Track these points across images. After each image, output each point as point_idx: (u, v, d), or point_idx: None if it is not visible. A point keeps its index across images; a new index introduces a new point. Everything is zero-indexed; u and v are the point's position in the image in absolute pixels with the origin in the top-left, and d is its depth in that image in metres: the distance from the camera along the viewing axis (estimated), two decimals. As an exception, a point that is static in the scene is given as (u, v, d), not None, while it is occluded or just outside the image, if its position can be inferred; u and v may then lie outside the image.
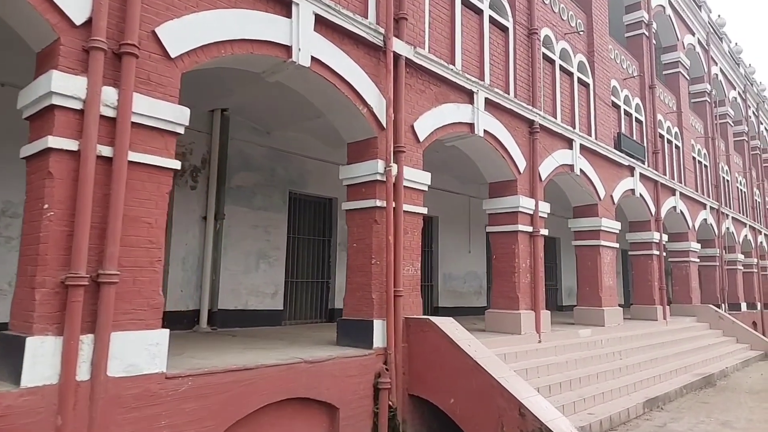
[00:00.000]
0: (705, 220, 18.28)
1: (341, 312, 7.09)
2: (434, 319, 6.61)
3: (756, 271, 23.94)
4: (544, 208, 9.80)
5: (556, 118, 10.65)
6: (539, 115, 9.83)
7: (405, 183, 6.96)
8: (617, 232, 12.41)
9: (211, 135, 9.10)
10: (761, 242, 25.49)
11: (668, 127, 16.43)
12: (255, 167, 9.80)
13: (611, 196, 12.41)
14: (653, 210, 14.51)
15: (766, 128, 29.95)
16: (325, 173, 10.58)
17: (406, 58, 7.10)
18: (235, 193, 9.43)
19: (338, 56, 6.30)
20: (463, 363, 6.14)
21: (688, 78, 18.71)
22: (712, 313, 16.26)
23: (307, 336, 7.93)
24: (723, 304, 18.93)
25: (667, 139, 16.30)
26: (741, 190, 24.08)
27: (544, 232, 9.77)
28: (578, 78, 11.76)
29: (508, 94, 9.31)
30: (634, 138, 14.08)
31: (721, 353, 13.29)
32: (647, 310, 14.19)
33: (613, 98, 13.20)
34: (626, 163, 13.07)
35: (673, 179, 16.16)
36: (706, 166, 19.60)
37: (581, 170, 11.20)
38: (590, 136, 11.83)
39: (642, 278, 14.47)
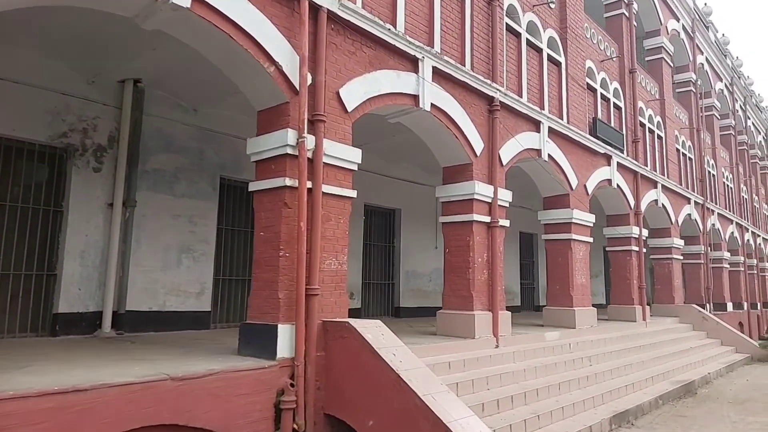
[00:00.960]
0: (689, 215, 17.32)
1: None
2: (354, 322, 5.47)
3: (742, 269, 23.08)
4: (505, 196, 8.71)
5: (521, 97, 9.57)
6: (500, 91, 8.73)
7: (326, 159, 5.82)
8: (591, 225, 11.36)
9: (120, 109, 7.90)
10: (748, 240, 24.65)
11: (650, 115, 15.43)
12: (178, 148, 8.61)
13: (585, 186, 11.36)
14: (632, 203, 13.49)
15: (754, 123, 29.16)
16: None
17: (328, 10, 5.96)
18: (152, 177, 8.23)
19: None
20: (384, 377, 5.02)
21: (671, 65, 17.73)
22: (695, 314, 15.29)
23: (222, 343, 6.76)
24: (708, 304, 17.99)
25: (649, 128, 15.30)
26: (728, 185, 23.20)
27: (505, 222, 8.68)
28: (548, 55, 10.68)
29: (463, 66, 8.20)
30: (612, 125, 13.05)
31: (703, 357, 12.29)
32: (625, 311, 13.16)
33: (588, 80, 12.15)
34: (602, 151, 12.02)
35: (655, 171, 15.16)
36: (690, 159, 18.66)
37: (550, 156, 10.12)
38: (561, 119, 10.76)
39: (620, 276, 13.45)
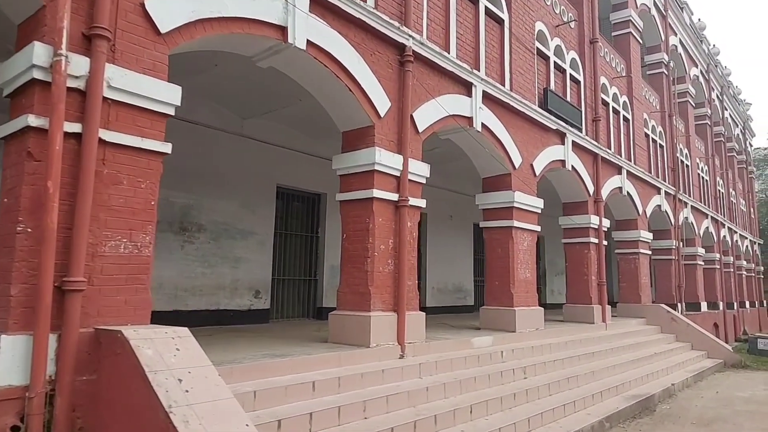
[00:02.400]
0: (658, 206, 15.84)
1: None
2: (130, 331, 3.71)
3: (718, 267, 21.75)
4: (419, 169, 7.02)
5: (448, 52, 7.88)
6: (414, 39, 7.03)
7: (111, 93, 4.04)
8: (538, 211, 9.74)
9: None
10: (724, 236, 23.36)
11: (615, 94, 13.89)
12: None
13: (531, 166, 9.73)
14: (591, 188, 11.91)
15: (731, 115, 27.97)
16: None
17: None
18: None
19: None
20: (149, 417, 3.28)
21: (640, 42, 16.23)
22: (663, 315, 13.78)
23: None
24: (679, 304, 16.54)
25: (614, 108, 13.76)
26: (703, 178, 21.86)
27: (418, 202, 6.99)
28: (486, 8, 9.01)
29: (364, 0, 6.48)
30: (569, 100, 11.45)
31: (669, 364, 10.74)
32: (582, 311, 11.59)
33: (538, 45, 10.53)
34: (554, 127, 10.41)
35: (620, 155, 13.63)
36: (661, 145, 17.20)
37: (485, 126, 8.46)
38: (503, 85, 9.11)
39: (576, 272, 11.86)
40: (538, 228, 9.71)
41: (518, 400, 6.48)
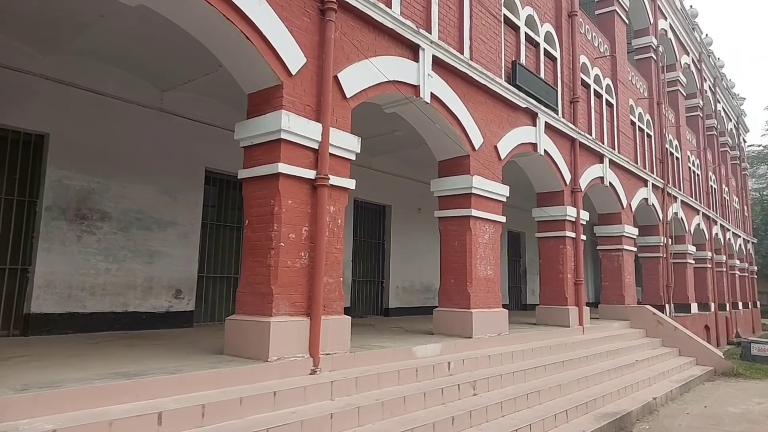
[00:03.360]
0: (645, 199, 14.68)
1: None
2: None
3: (710, 266, 20.64)
4: (346, 142, 5.77)
5: (389, 6, 6.63)
6: (338, -16, 5.80)
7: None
8: (502, 200, 8.52)
9: None
10: (716, 234, 22.26)
11: (597, 75, 12.70)
12: None
13: (496, 148, 8.51)
14: (568, 177, 10.71)
15: (724, 109, 26.88)
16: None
17: None
18: None
19: None
20: None
21: (626, 22, 15.05)
22: (649, 317, 12.61)
23: None
24: (668, 305, 15.40)
25: (595, 90, 12.57)
26: (694, 172, 20.74)
27: (345, 183, 5.74)
28: (440, -37, 7.81)
29: (267, -68, 5.24)
30: (542, 77, 10.24)
31: (653, 373, 9.55)
32: (556, 313, 10.39)
33: (506, 12, 9.30)
34: (523, 105, 9.20)
35: (602, 142, 12.44)
36: (649, 135, 16.04)
37: (435, 97, 7.23)
38: (460, 52, 7.88)
39: (551, 269, 10.65)
40: (502, 219, 8.50)
41: (458, 425, 5.25)
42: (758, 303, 31.10)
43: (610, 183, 12.45)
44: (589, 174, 11.60)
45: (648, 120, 16.01)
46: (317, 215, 5.38)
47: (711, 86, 24.26)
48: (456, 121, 7.67)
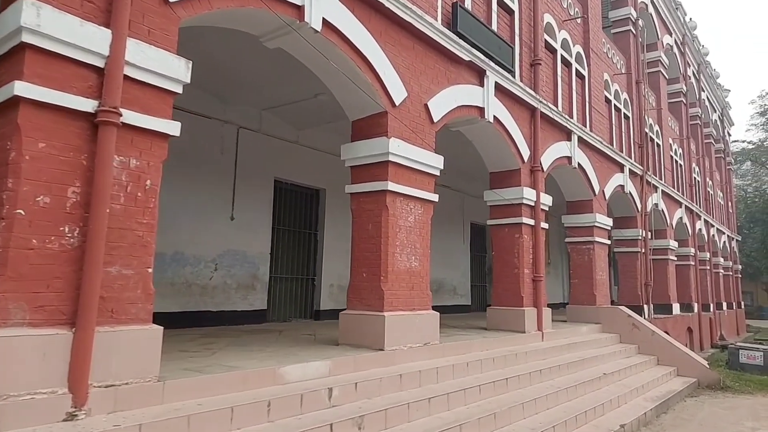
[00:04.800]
0: (621, 186, 13.00)
1: None
2: None
3: (693, 264, 19.10)
4: (161, 63, 3.88)
5: None
6: None
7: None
8: (434, 173, 6.72)
9: None
10: (700, 229, 20.72)
11: (565, 40, 10.97)
12: None
13: (426, 108, 6.70)
14: (526, 153, 8.95)
15: (708, 98, 25.42)
16: None
17: None
18: None
19: None
20: None
21: (601, -14, 13.39)
22: (623, 319, 10.90)
23: None
24: (646, 306, 13.75)
25: (563, 57, 10.83)
26: (676, 161, 19.17)
27: (162, 126, 3.87)
28: None
29: None
30: (494, 29, 8.46)
31: (624, 389, 7.82)
32: (510, 316, 8.61)
33: (445, -58, 7.52)
34: (466, 58, 7.41)
35: (570, 116, 10.71)
36: (627, 116, 14.38)
37: (330, 26, 5.39)
38: (374, -21, 6.06)
39: (504, 263, 8.88)
40: (433, 197, 6.70)
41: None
42: (742, 303, 29.75)
43: (579, 164, 10.72)
44: (554, 152, 9.86)
45: (626, 99, 14.35)
46: (98, 169, 3.50)
47: (695, 72, 22.77)
48: (367, 66, 5.85)
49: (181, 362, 4.55)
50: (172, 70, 3.93)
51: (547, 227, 9.41)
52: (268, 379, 4.36)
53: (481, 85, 7.82)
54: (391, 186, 6.00)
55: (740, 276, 30.44)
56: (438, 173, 6.79)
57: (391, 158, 6.00)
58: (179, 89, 4.01)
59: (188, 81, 4.04)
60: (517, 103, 8.80)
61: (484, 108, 7.80)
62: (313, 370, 4.74)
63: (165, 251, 7.94)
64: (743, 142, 39.85)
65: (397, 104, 6.19)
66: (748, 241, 36.89)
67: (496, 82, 8.05)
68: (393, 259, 6.01)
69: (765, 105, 38.16)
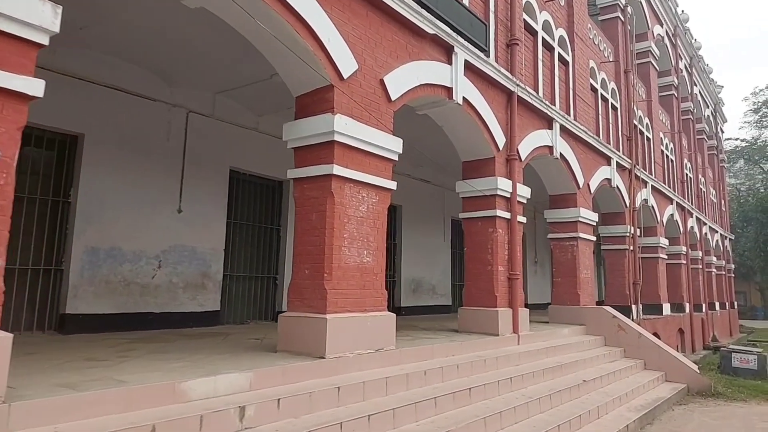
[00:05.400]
0: (608, 180, 12.32)
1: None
2: None
3: (685, 262, 18.46)
4: (37, 15, 3.16)
5: None
6: None
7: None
8: (390, 156, 5.97)
9: None
10: (692, 227, 20.10)
11: (547, 21, 10.27)
12: None
13: (383, 83, 5.96)
14: (501, 140, 8.24)
15: (701, 92, 24.83)
16: None
17: None
18: None
19: None
20: None
21: (587, -32, 12.70)
22: (608, 321, 10.21)
23: None
24: (635, 306, 13.07)
25: (545, 40, 10.13)
26: (667, 156, 18.53)
27: (26, 88, 3.13)
28: None
29: None
30: (465, 3, 7.74)
31: (606, 398, 7.11)
32: (483, 318, 7.90)
33: None
34: (430, 31, 6.67)
35: (552, 104, 10.01)
36: (614, 106, 13.71)
37: (260, -16, 4.66)
38: (319, -66, 5.33)
39: (477, 260, 8.16)
40: (390, 184, 5.96)
41: None
42: (735, 303, 29.19)
43: (561, 155, 10.02)
44: (533, 140, 9.15)
45: (613, 89, 13.68)
46: None
47: (687, 66, 22.16)
48: (308, 32, 5.10)
49: (64, 375, 3.80)
50: (35, 15, 3.18)
51: (524, 221, 8.70)
52: (165, 396, 3.61)
53: (449, 62, 7.09)
54: (338, 170, 5.26)
55: (733, 275, 29.91)
56: (396, 158, 6.05)
57: (338, 138, 5.26)
58: (45, 41, 3.26)
59: (57, 30, 3.28)
60: (491, 86, 8.08)
61: (452, 88, 7.07)
62: (227, 385, 4.00)
63: (99, 246, 7.18)
64: (736, 140, 39.44)
65: (345, 77, 5.45)
66: (741, 240, 36.41)
67: (466, 61, 7.32)
68: (340, 253, 5.28)
69: (758, 102, 37.73)
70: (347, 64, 5.48)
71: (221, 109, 8.69)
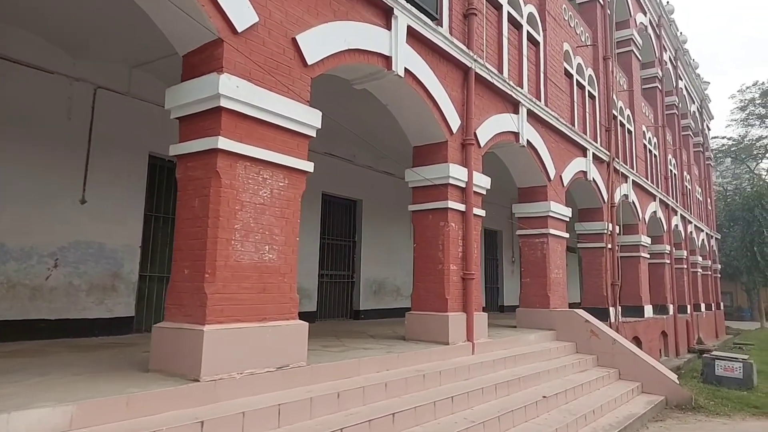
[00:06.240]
0: (584, 173, 11.39)
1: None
2: None
3: (668, 262, 17.61)
4: None
5: None
6: None
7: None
8: (305, 132, 4.91)
9: None
10: (676, 225, 19.29)
11: (514, -5, 9.31)
12: None
13: (295, 43, 4.91)
14: (455, 122, 7.24)
15: (686, 87, 24.04)
16: None
17: None
18: None
19: None
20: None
21: (561, -57, 11.76)
22: (581, 325, 9.26)
23: None
24: (613, 308, 12.14)
25: (510, 15, 9.14)
26: (650, 150, 17.66)
27: None
28: None
29: None
30: (411, -37, 6.73)
31: (569, 417, 6.12)
32: (432, 323, 6.89)
33: None
34: (362, -12, 5.67)
35: (519, 85, 9.04)
36: (592, 95, 12.78)
37: None
38: None
39: (427, 258, 7.15)
40: (306, 166, 4.92)
41: None
42: (721, 304, 28.48)
43: (529, 143, 9.06)
44: (495, 124, 8.17)
45: (591, 76, 12.76)
46: None
47: (672, 58, 21.35)
48: (187, -28, 4.07)
49: None
50: None
51: (483, 214, 7.70)
52: None
53: (388, 27, 6.08)
54: (226, 143, 4.23)
55: (719, 276, 29.20)
56: (314, 134, 5.02)
57: (225, 103, 4.22)
58: None
59: None
60: (444, 59, 7.08)
61: (390, 57, 6.06)
62: (32, 424, 2.95)
63: (16, 247, 6.09)
64: (723, 138, 38.86)
65: (240, 31, 4.41)
66: (728, 240, 35.79)
67: (409, 27, 6.32)
68: (228, 248, 4.24)
69: (745, 100, 37.14)
70: (242, 15, 4.44)
71: (138, 85, 7.61)
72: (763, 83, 36.54)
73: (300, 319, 4.77)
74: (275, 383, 4.33)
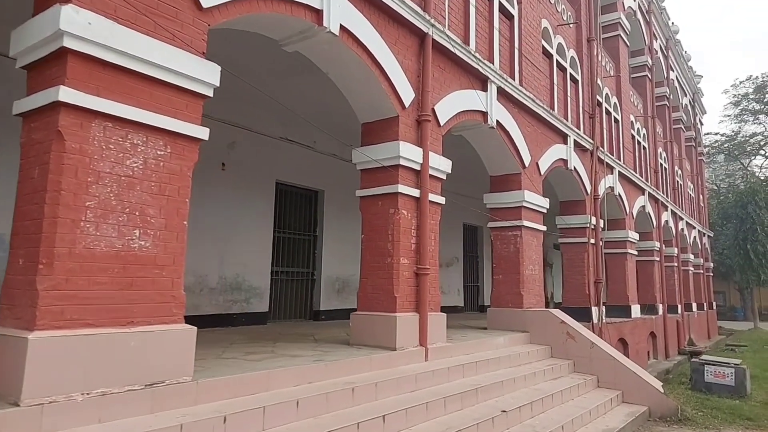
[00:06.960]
0: (564, 161, 10.48)
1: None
2: None
3: (658, 260, 16.76)
4: None
5: None
6: None
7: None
8: (201, 91, 3.92)
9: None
10: (667, 221, 18.44)
11: (483, -40, 8.37)
12: None
13: (180, -22, 3.98)
14: (409, 96, 6.29)
15: (678, 78, 23.21)
16: None
17: None
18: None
19: None
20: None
21: None
22: (556, 326, 8.34)
23: None
24: (596, 308, 11.25)
25: (480, -18, 8.23)
26: (639, 142, 16.79)
27: None
28: None
29: None
30: None
31: (532, 437, 5.22)
32: (379, 325, 5.95)
33: None
34: (281, -77, 4.72)
35: (489, 61, 8.10)
36: (574, 78, 11.87)
37: None
38: None
39: (375, 251, 6.21)
40: (198, 132, 3.95)
41: None
42: (714, 304, 27.70)
43: (500, 124, 8.14)
44: (459, 101, 7.24)
45: (573, 57, 11.85)
46: None
47: (663, 48, 20.50)
48: None
49: None
50: None
51: (442, 201, 6.77)
52: None
53: (318, -25, 5.14)
54: (71, 95, 3.26)
55: (712, 275, 28.45)
56: (210, 92, 4.07)
57: (71, 44, 3.26)
58: None
59: None
60: (394, 21, 6.15)
61: (321, 11, 5.11)
62: None
63: None
64: (716, 134, 38.12)
65: (100, -43, 3.46)
66: (720, 238, 35.03)
67: (346, -23, 5.38)
68: (75, 231, 3.28)
69: (739, 95, 36.41)
70: (103, -64, 3.48)
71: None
72: (757, 78, 35.82)
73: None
74: (138, 406, 3.38)
